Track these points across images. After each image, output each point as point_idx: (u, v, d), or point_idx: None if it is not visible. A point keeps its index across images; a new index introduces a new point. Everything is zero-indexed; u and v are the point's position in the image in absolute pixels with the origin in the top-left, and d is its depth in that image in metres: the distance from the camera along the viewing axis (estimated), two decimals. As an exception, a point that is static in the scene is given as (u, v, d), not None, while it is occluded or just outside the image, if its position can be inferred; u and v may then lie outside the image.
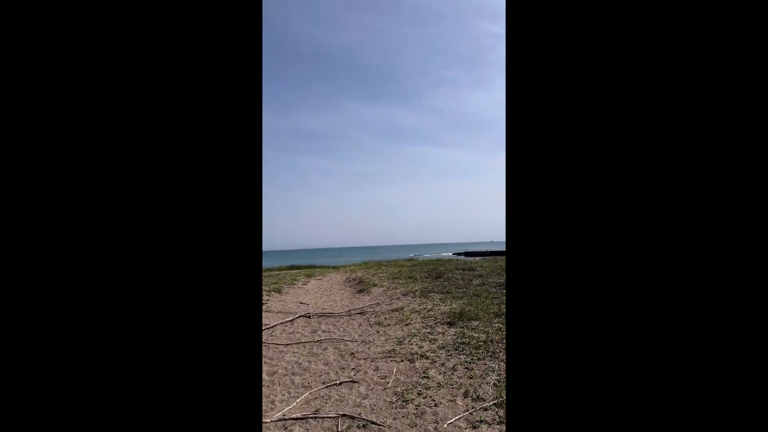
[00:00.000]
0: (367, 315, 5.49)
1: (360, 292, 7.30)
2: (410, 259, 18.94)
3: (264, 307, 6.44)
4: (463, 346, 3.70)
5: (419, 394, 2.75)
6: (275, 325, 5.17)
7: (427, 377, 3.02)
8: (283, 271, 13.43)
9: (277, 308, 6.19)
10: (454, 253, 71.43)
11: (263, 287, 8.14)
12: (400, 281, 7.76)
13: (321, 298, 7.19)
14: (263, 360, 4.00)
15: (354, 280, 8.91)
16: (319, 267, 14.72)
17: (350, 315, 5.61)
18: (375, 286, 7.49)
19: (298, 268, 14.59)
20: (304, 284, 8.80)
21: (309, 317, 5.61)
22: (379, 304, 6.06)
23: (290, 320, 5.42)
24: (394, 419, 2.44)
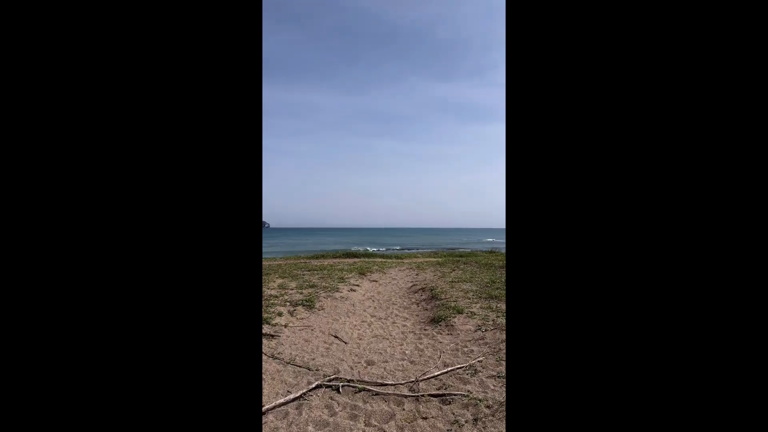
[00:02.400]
0: (452, 405, 2.46)
1: (435, 322, 4.25)
2: (492, 252, 15.35)
3: (273, 344, 3.72)
4: None
5: None
6: (267, 410, 2.40)
7: None
8: (336, 260, 10.93)
9: (290, 351, 3.41)
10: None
11: (294, 291, 5.50)
12: (503, 305, 4.55)
13: (369, 327, 4.29)
14: None
15: (424, 289, 5.89)
16: (380, 257, 11.96)
17: (418, 398, 2.62)
18: (460, 313, 4.37)
19: (355, 255, 11.99)
20: (351, 290, 6.02)
21: (338, 391, 2.76)
22: (476, 371, 2.96)
23: (297, 397, 2.61)
24: None
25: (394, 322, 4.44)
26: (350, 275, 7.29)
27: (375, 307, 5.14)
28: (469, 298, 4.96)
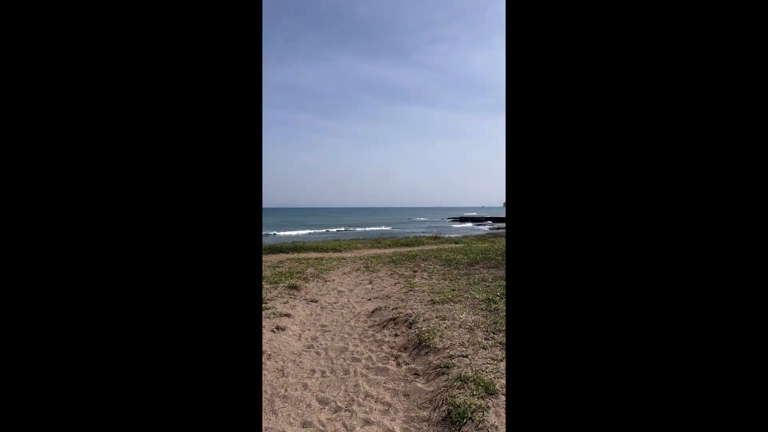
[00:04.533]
0: None
1: (452, 424, 2.09)
2: (436, 237, 13.82)
3: None
4: None
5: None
6: None
7: None
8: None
9: None
10: (449, 218, 68.32)
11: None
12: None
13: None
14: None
15: (396, 321, 3.66)
16: (313, 250, 9.42)
17: None
18: (491, 393, 2.27)
19: (281, 249, 9.28)
20: (278, 329, 3.54)
21: None
22: None
23: None
24: None
25: (367, 422, 2.18)
26: (275, 292, 4.77)
27: (324, 372, 2.80)
28: (485, 347, 2.92)
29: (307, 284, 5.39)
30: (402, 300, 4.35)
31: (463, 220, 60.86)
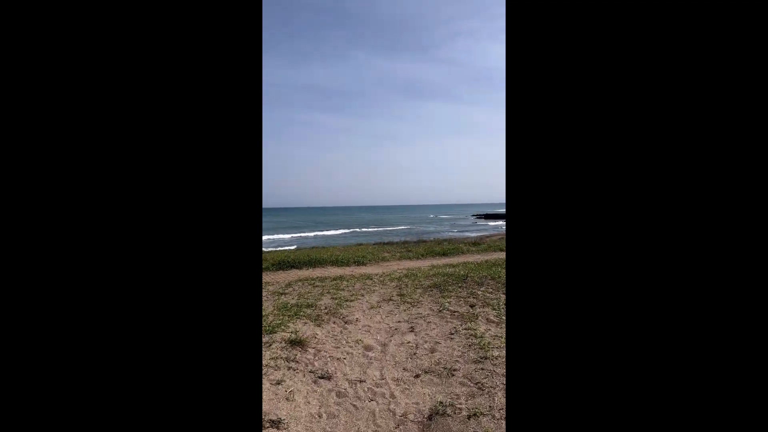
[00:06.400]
0: None
1: None
2: (476, 243, 11.78)
3: None
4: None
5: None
6: None
7: None
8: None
9: None
10: (473, 215, 65.63)
11: None
12: None
13: None
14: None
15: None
16: (331, 264, 7.64)
17: None
18: None
19: (293, 264, 7.58)
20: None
21: None
22: None
23: None
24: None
25: None
26: (267, 355, 3.01)
27: None
28: None
29: (318, 331, 3.62)
30: (478, 385, 2.48)
31: (489, 217, 57.79)
